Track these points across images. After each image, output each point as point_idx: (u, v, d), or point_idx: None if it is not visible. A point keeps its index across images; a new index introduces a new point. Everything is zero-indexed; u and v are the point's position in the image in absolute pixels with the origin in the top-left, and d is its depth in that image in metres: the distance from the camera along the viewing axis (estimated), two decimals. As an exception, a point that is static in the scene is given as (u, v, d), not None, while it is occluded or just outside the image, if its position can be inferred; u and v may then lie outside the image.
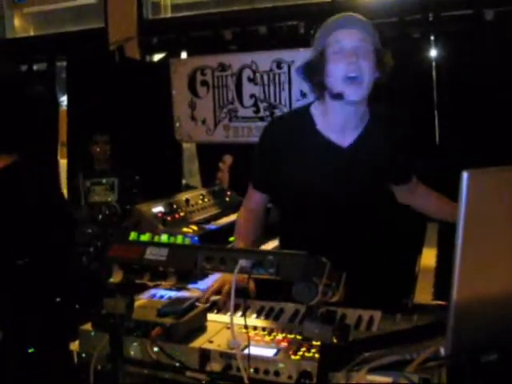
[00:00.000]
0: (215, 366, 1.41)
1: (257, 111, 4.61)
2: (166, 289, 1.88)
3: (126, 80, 5.05)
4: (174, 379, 1.43)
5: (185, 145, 5.23)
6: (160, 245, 1.39)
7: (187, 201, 3.62)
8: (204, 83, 4.80)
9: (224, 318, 1.67)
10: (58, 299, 2.08)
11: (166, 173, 5.04)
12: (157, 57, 5.32)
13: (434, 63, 4.16)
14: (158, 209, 3.36)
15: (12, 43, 5.91)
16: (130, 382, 1.46)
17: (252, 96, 4.62)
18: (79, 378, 1.53)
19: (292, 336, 1.49)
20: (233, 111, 4.71)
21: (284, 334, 1.50)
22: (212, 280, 1.98)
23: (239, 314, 1.70)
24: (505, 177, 1.22)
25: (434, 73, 4.14)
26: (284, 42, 4.56)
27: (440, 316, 1.46)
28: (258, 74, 4.55)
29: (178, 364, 1.41)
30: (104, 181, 4.70)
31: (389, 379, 1.29)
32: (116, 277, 1.40)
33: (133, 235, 1.44)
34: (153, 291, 1.87)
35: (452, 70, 4.07)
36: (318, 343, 1.30)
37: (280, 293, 1.64)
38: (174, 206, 3.48)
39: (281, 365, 1.35)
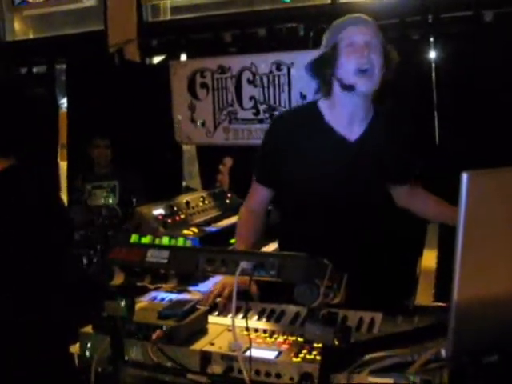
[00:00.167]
0: (216, 369, 1.41)
1: (256, 113, 4.62)
2: (167, 291, 1.88)
3: (125, 82, 5.06)
4: (174, 382, 1.42)
5: (185, 147, 5.23)
6: (161, 247, 1.39)
7: (187, 203, 3.62)
8: (204, 85, 4.81)
9: (225, 320, 1.66)
10: (57, 299, 2.08)
11: (166, 175, 5.05)
12: (156, 59, 5.33)
13: (433, 65, 4.17)
14: (159, 211, 3.36)
15: (12, 46, 5.92)
16: (131, 384, 1.46)
17: (252, 98, 4.62)
18: (80, 380, 1.52)
19: (293, 338, 1.48)
20: (232, 113, 4.72)
21: (285, 336, 1.50)
22: (212, 282, 1.98)
23: (240, 316, 1.70)
24: (505, 178, 1.23)
25: (433, 74, 4.15)
26: (283, 44, 4.57)
27: (441, 317, 1.46)
28: (257, 76, 4.55)
29: (178, 366, 1.41)
30: (105, 184, 4.70)
31: (390, 381, 1.29)
32: (117, 279, 1.40)
33: (134, 237, 1.44)
34: (153, 294, 1.87)
35: (452, 71, 4.08)
36: (320, 345, 1.30)
37: (281, 295, 1.63)
38: (175, 209, 3.48)
39: (282, 367, 1.35)
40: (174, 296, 1.84)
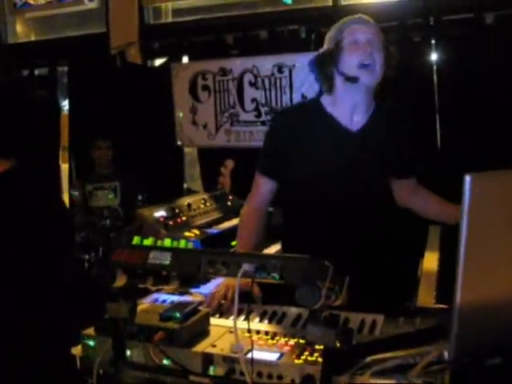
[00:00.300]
0: (218, 370, 1.41)
1: (258, 115, 4.62)
2: (169, 293, 1.88)
3: (127, 85, 5.06)
4: (176, 383, 1.43)
5: (186, 149, 5.24)
6: (163, 249, 1.39)
7: (189, 205, 3.62)
8: (205, 88, 4.81)
9: (227, 322, 1.66)
10: (57, 299, 2.08)
11: (167, 177, 5.05)
12: (158, 61, 5.34)
13: (434, 67, 4.17)
14: (160, 213, 3.37)
15: (14, 48, 5.93)
16: (133, 386, 1.46)
17: (253, 100, 4.63)
18: (82, 382, 1.52)
19: (295, 340, 1.48)
20: (234, 115, 4.72)
21: (287, 338, 1.50)
22: (214, 284, 1.98)
23: (242, 318, 1.70)
24: (508, 180, 1.23)
25: (435, 76, 4.15)
26: (285, 47, 4.57)
27: (442, 319, 1.46)
28: (259, 79, 4.56)
29: (180, 368, 1.41)
30: (106, 185, 4.71)
31: (392, 383, 1.29)
32: (119, 281, 1.40)
33: (136, 239, 1.44)
34: (155, 295, 1.87)
35: (453, 73, 4.08)
36: (321, 347, 1.30)
37: (283, 297, 1.63)
38: (176, 211, 3.48)
39: (284, 369, 1.35)
40: (176, 298, 1.84)
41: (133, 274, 1.41)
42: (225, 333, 1.54)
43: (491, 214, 1.18)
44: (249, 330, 1.46)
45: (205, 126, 4.85)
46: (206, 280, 2.15)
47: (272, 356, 1.39)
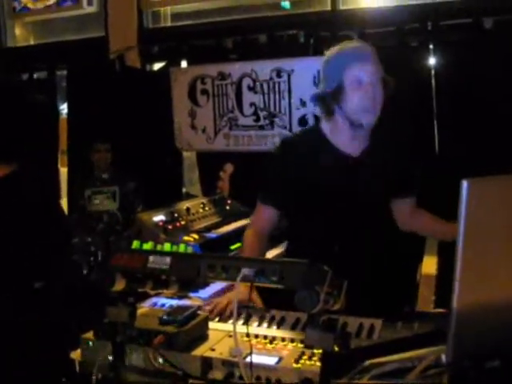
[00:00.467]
0: (217, 374, 1.41)
1: (257, 120, 4.63)
2: (168, 297, 1.88)
3: (126, 89, 5.07)
4: (175, 387, 1.43)
5: (185, 153, 5.24)
6: (162, 253, 1.40)
7: (188, 209, 3.63)
8: (204, 92, 4.82)
9: (226, 326, 1.67)
10: (56, 300, 2.09)
11: (166, 181, 5.06)
12: (157, 66, 5.35)
13: (433, 72, 4.18)
14: (159, 217, 3.37)
15: (13, 52, 5.94)
16: (133, 390, 1.46)
17: (252, 104, 4.63)
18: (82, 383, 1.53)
19: (294, 344, 1.49)
20: (233, 120, 4.73)
21: (286, 342, 1.51)
22: (213, 289, 1.99)
23: (241, 322, 1.70)
24: (505, 185, 1.23)
25: (433, 81, 4.16)
26: (284, 51, 4.57)
27: (441, 324, 1.47)
28: (257, 83, 4.57)
29: (180, 372, 1.42)
30: (105, 190, 4.71)
31: (390, 386, 1.30)
32: (118, 285, 1.40)
33: (135, 244, 1.45)
34: (154, 300, 1.87)
35: (451, 78, 4.08)
36: (320, 351, 1.30)
37: (282, 301, 1.64)
38: (175, 215, 3.49)
39: (283, 373, 1.35)
40: (175, 302, 1.84)
41: (132, 278, 1.42)
42: (224, 337, 1.55)
43: (488, 218, 1.19)
44: (248, 334, 1.46)
45: (204, 130, 4.85)
46: (205, 284, 2.15)
47: (271, 360, 1.40)
